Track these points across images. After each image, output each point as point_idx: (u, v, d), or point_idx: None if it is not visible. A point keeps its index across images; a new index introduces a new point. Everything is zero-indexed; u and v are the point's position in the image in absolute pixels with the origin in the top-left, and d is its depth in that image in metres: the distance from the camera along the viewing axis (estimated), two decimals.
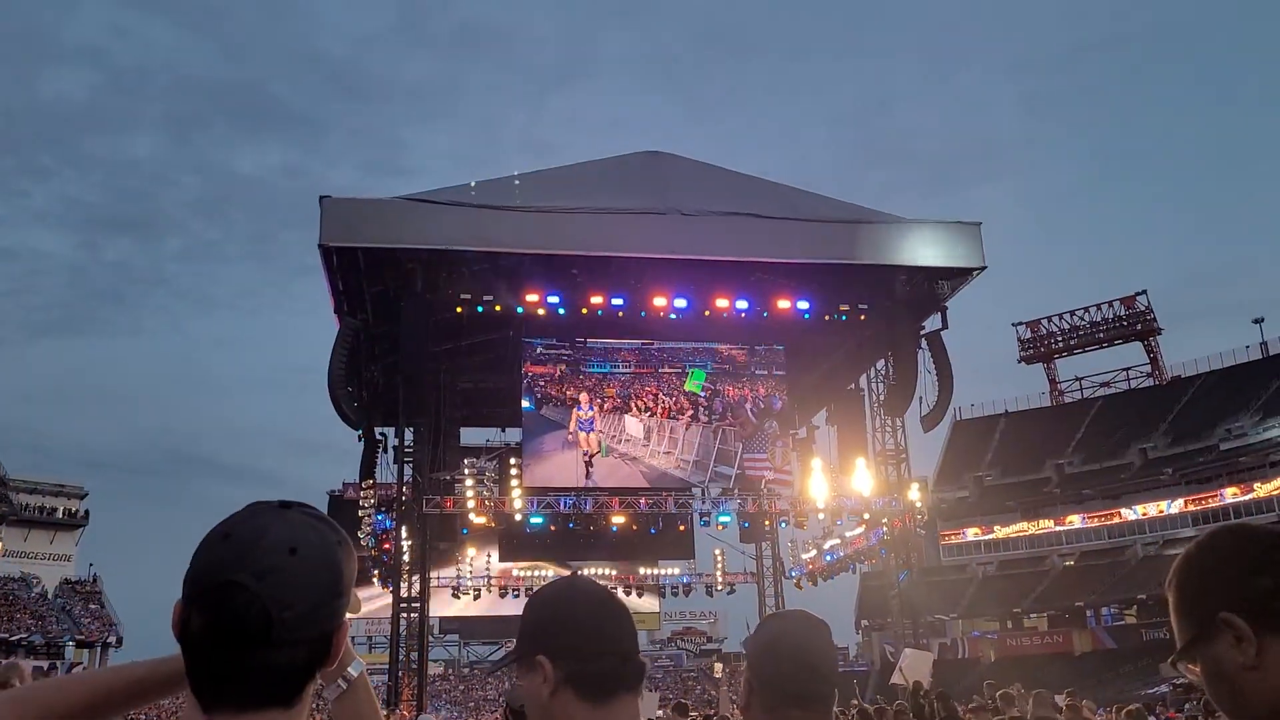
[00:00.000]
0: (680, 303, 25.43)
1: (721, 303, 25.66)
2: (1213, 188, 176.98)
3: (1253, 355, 57.98)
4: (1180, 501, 52.45)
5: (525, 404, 26.89)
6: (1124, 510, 53.60)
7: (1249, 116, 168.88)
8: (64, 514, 58.01)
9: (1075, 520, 55.99)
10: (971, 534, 58.52)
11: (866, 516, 28.12)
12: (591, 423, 26.89)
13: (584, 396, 27.05)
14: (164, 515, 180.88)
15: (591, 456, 26.64)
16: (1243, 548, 1.38)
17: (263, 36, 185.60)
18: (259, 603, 1.16)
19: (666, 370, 27.76)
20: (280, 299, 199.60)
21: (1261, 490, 50.45)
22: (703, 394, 27.61)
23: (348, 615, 1.29)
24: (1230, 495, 50.82)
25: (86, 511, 59.36)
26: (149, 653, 1.71)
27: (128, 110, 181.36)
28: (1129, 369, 63.85)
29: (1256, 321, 58.93)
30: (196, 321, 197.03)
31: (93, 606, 54.27)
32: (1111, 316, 63.97)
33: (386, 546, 27.06)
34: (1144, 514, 53.33)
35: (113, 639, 51.99)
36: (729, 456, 27.38)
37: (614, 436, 27.14)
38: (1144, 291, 63.99)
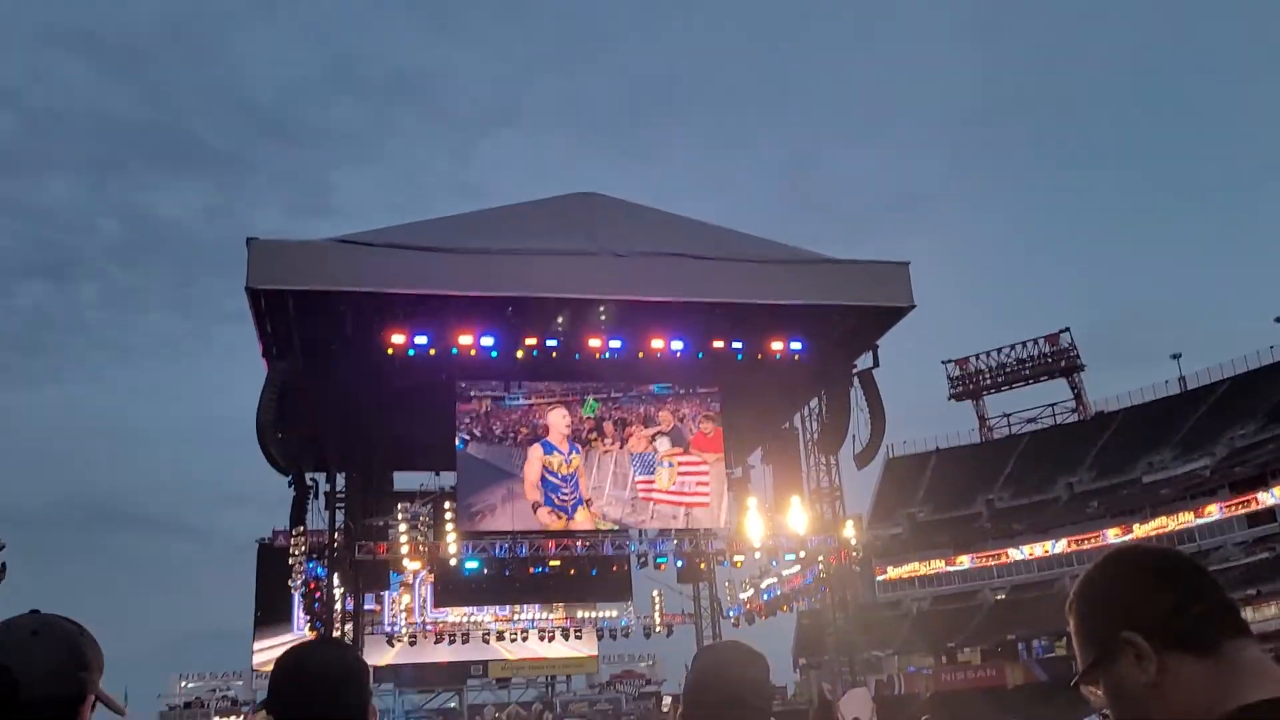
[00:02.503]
0: (615, 344, 25.47)
1: (656, 343, 25.75)
2: (1132, 229, 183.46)
3: (1172, 390, 59.96)
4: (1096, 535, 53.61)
5: (459, 443, 26.57)
6: (1052, 544, 54.67)
7: (1171, 160, 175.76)
8: None
9: (1006, 555, 56.99)
10: (907, 570, 59.14)
11: (802, 554, 28.24)
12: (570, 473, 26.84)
13: (557, 418, 26.95)
14: (86, 570, 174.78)
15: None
16: (1141, 568, 1.41)
17: (187, 79, 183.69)
18: (6, 673, 1.59)
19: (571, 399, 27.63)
20: (203, 346, 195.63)
21: (1140, 530, 52.31)
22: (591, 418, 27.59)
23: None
24: (1112, 535, 52.71)
25: (3, 565, 56.94)
26: None
27: (42, 153, 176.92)
28: (1054, 405, 65.61)
29: (1175, 357, 61.11)
30: (117, 370, 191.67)
31: None
32: (1037, 354, 65.75)
33: (318, 594, 26.41)
34: (1069, 548, 54.39)
35: None
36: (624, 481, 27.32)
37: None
38: (1067, 329, 65.99)
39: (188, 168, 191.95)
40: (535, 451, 26.71)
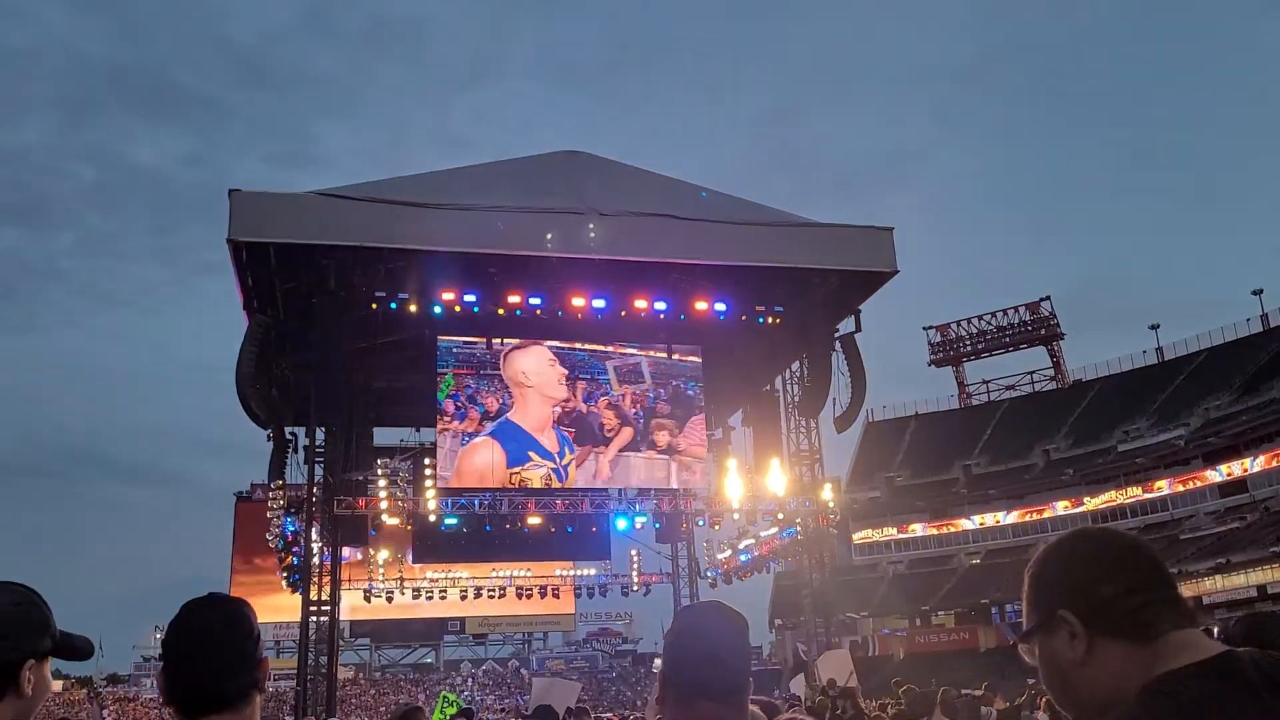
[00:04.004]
0: (599, 303, 25.42)
1: (640, 303, 25.72)
2: (1114, 197, 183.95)
3: (1149, 360, 60.41)
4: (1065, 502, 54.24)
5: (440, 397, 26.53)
6: (1057, 505, 55.13)
7: (1154, 128, 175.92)
8: None
9: (982, 519, 57.69)
10: (898, 531, 59.77)
11: (780, 516, 28.45)
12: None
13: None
14: (61, 516, 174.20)
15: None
16: (1093, 555, 1.48)
17: (164, 19, 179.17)
18: None
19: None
20: (183, 295, 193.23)
21: (1091, 503, 53.18)
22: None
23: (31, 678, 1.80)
24: (1061, 508, 53.61)
25: None
26: None
27: (15, 93, 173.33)
28: (1033, 372, 66.01)
29: (1153, 327, 61.46)
30: (94, 317, 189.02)
31: None
32: (1017, 321, 66.02)
33: (296, 548, 26.43)
34: (1040, 515, 55.01)
35: None
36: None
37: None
38: (1048, 297, 66.25)
39: (166, 113, 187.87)
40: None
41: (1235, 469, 49.70)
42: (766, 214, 26.50)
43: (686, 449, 28.12)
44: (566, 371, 27.83)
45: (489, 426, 26.79)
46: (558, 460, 26.98)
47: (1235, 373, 52.41)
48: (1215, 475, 50.45)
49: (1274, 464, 47.94)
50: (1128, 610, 1.40)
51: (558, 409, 27.41)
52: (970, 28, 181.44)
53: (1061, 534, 1.54)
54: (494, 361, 27.36)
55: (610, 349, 28.02)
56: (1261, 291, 55.82)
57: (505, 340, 27.36)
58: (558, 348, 27.68)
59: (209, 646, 1.83)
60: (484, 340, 27.03)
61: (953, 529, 58.42)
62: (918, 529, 59.22)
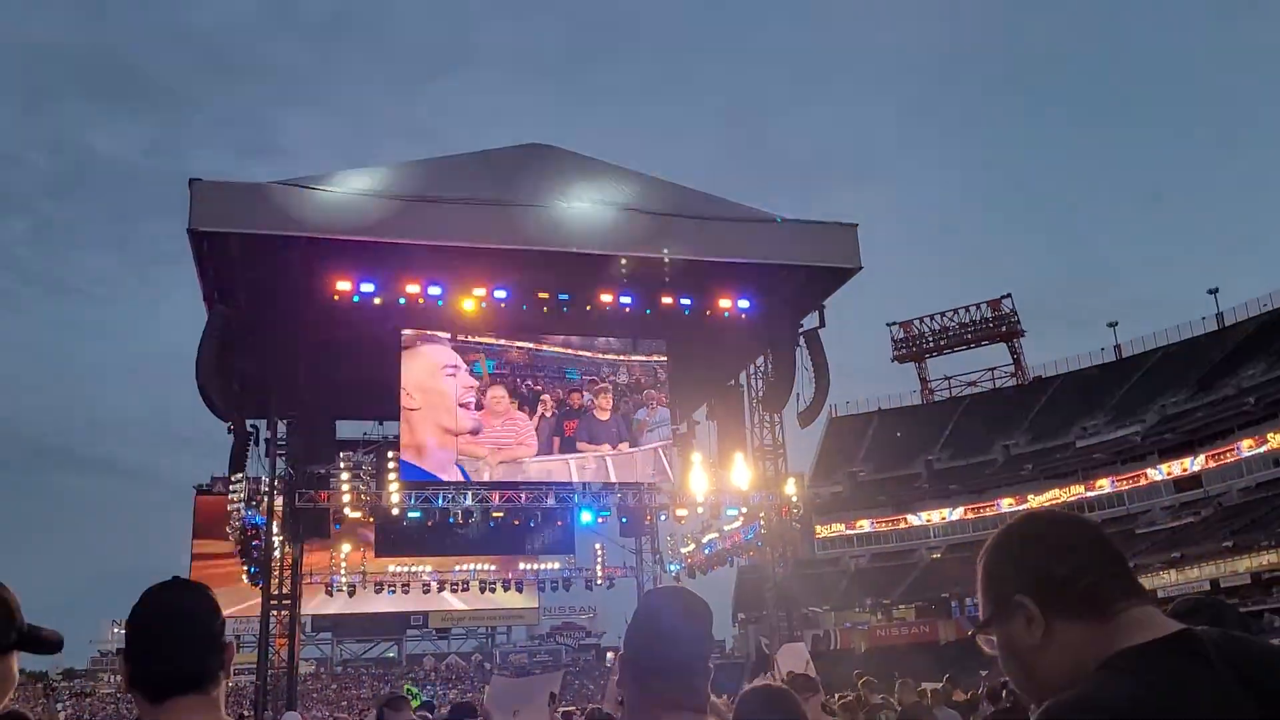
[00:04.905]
0: (564, 296, 25.37)
1: (605, 298, 25.70)
2: (1075, 196, 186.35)
3: (1107, 358, 61.37)
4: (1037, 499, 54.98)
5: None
6: (997, 502, 55.89)
7: (1115, 129, 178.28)
8: None
9: (943, 514, 58.33)
10: (845, 528, 60.23)
11: (744, 510, 28.57)
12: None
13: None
14: (15, 509, 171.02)
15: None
16: (1042, 537, 1.50)
17: (125, 6, 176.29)
18: None
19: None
20: (140, 285, 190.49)
21: (1046, 499, 54.05)
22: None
23: None
24: (1006, 505, 54.40)
25: None
26: None
27: None
28: (994, 369, 66.82)
29: (1111, 325, 62.49)
30: (49, 308, 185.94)
31: None
32: (979, 318, 66.73)
33: (256, 542, 26.17)
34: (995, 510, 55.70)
35: None
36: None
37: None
38: (1009, 295, 67.03)
39: (125, 101, 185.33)
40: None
41: (1190, 465, 50.62)
42: (732, 209, 26.58)
43: (650, 444, 28.09)
44: (475, 383, 26.07)
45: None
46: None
47: (1191, 370, 53.37)
48: (1170, 471, 51.34)
49: (1227, 460, 48.89)
50: (1081, 590, 1.41)
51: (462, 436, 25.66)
52: (937, 24, 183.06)
53: (1010, 522, 1.55)
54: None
55: (573, 352, 27.74)
56: (1217, 291, 56.93)
57: (402, 330, 25.70)
58: (520, 347, 26.89)
59: (176, 627, 1.81)
60: (449, 335, 26.84)
61: (903, 525, 59.10)
62: (865, 525, 59.85)
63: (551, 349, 27.40)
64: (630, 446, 27.38)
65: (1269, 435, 46.62)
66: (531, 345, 27.17)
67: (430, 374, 26.23)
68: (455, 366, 26.30)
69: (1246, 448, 47.93)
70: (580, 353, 27.66)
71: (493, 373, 26.70)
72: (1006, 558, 1.51)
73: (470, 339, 26.77)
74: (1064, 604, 1.41)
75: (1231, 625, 2.37)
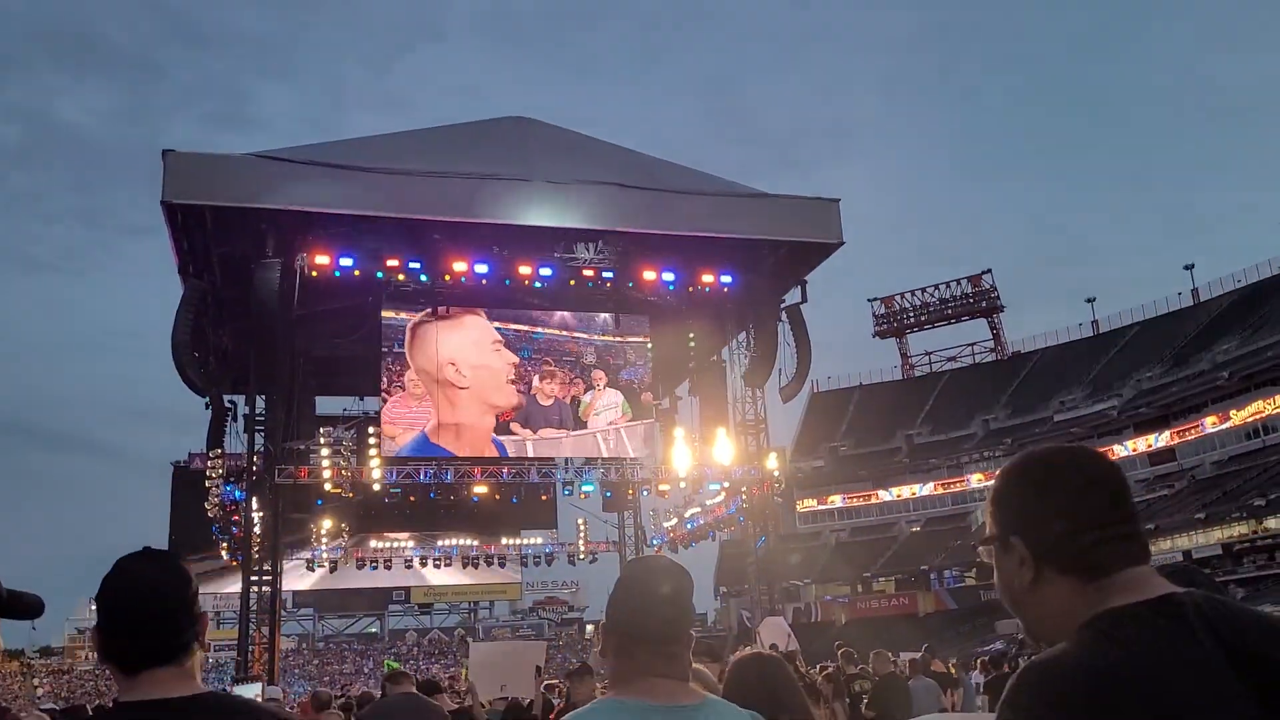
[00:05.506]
0: (545, 271, 25.21)
1: (587, 272, 25.58)
2: (1054, 173, 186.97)
3: (1085, 333, 61.79)
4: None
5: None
6: (967, 478, 56.45)
7: (1093, 107, 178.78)
8: None
9: (913, 490, 58.94)
10: (820, 503, 60.68)
11: (726, 485, 28.66)
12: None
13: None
14: None
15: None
16: (1054, 485, 1.44)
17: None
18: None
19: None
20: (111, 259, 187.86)
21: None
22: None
23: None
24: (976, 481, 54.96)
25: None
26: None
27: None
28: (974, 344, 67.10)
29: (1089, 301, 62.91)
30: (15, 281, 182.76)
31: None
32: (959, 294, 66.94)
33: (236, 518, 26.02)
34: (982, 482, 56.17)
35: None
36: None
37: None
38: (989, 270, 67.23)
39: (93, 69, 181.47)
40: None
41: (1165, 439, 51.16)
42: (714, 184, 26.47)
43: (634, 418, 28.04)
44: (516, 359, 26.12)
45: (410, 440, 25.53)
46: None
47: (1166, 345, 53.80)
48: (1146, 445, 51.87)
49: (1201, 433, 49.44)
50: (1078, 548, 1.39)
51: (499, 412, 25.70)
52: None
53: (1031, 451, 1.51)
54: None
55: (557, 331, 27.50)
56: (1192, 267, 57.32)
57: (439, 310, 25.54)
58: (500, 327, 26.80)
59: (150, 598, 1.78)
60: (429, 310, 26.64)
61: (874, 500, 59.69)
62: (838, 500, 60.35)
63: (502, 325, 26.94)
64: (575, 430, 26.99)
65: (1242, 409, 47.16)
66: (499, 324, 26.91)
67: (479, 349, 25.87)
68: (499, 341, 26.00)
69: (1213, 423, 48.55)
70: (536, 329, 27.25)
71: None
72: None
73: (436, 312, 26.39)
74: (1056, 557, 1.40)
75: (1206, 591, 2.36)
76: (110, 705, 1.78)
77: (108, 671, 1.82)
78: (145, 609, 1.77)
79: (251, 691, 21.89)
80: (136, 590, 1.79)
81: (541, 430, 26.44)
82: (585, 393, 27.23)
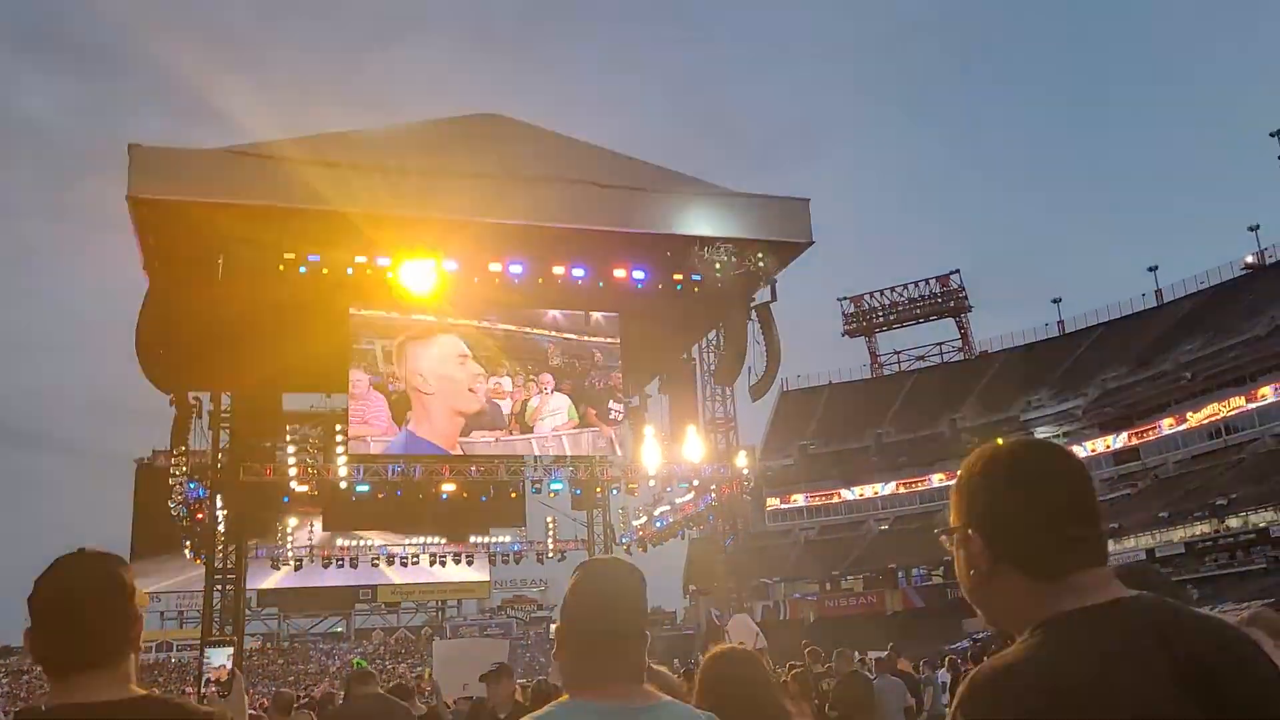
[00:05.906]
0: (516, 269, 25.09)
1: (557, 270, 25.47)
2: (1021, 175, 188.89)
3: (1051, 333, 62.49)
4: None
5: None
6: (934, 477, 56.92)
7: (1061, 109, 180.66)
8: None
9: (875, 489, 59.42)
10: (783, 502, 60.96)
11: (696, 483, 28.68)
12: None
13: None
14: None
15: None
16: (1016, 483, 1.44)
17: None
18: None
19: None
20: (73, 253, 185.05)
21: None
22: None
23: None
24: (938, 481, 55.60)
25: None
26: None
27: None
28: (942, 344, 67.73)
29: (1055, 301, 63.67)
30: None
31: None
32: (928, 294, 67.54)
33: (200, 517, 25.70)
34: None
35: None
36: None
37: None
38: (957, 271, 67.93)
39: (56, 60, 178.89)
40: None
41: (1128, 438, 51.84)
42: (685, 183, 26.48)
43: (601, 417, 27.97)
44: (480, 371, 26.13)
45: (396, 435, 25.52)
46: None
47: (1131, 346, 54.51)
48: (1108, 445, 52.53)
49: (1163, 433, 50.14)
50: (1035, 548, 1.39)
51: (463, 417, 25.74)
52: (889, 1, 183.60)
53: (999, 444, 1.50)
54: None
55: (525, 330, 27.31)
56: (1156, 268, 58.14)
57: (413, 316, 25.61)
58: (466, 321, 26.51)
59: (74, 603, 1.75)
60: (396, 313, 26.38)
61: (837, 499, 60.10)
62: (804, 499, 60.65)
63: (468, 321, 26.69)
64: (522, 434, 26.69)
65: (1204, 409, 47.87)
66: (465, 319, 26.69)
67: (443, 362, 26.14)
68: (465, 355, 26.36)
69: (1171, 425, 49.28)
70: (499, 326, 26.95)
71: None
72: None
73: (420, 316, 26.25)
74: (1013, 555, 1.41)
75: (1160, 592, 2.38)
76: (41, 709, 1.74)
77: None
78: (74, 611, 1.75)
79: (224, 654, 21.80)
80: (67, 591, 1.76)
81: (496, 433, 26.31)
82: (534, 396, 27.06)
